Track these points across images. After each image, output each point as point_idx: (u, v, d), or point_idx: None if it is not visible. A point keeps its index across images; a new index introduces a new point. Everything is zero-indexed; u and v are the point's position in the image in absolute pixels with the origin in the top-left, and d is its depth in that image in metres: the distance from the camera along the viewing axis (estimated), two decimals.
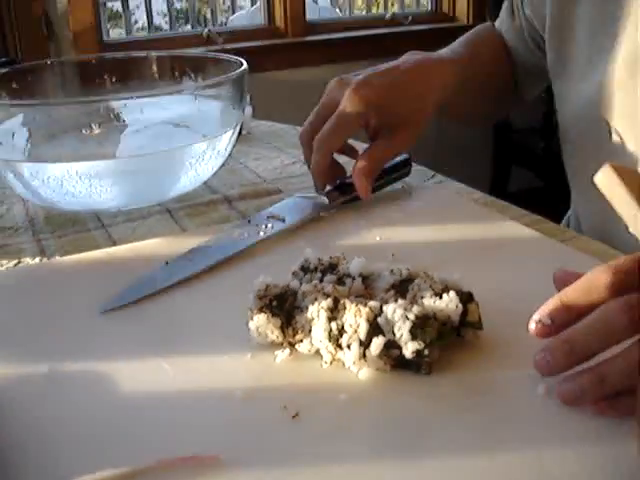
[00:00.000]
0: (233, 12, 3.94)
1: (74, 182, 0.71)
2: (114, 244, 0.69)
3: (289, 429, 0.41)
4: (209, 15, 3.80)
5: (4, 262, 0.67)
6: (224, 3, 3.96)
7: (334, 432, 0.41)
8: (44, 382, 0.47)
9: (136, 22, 4.08)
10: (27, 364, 0.49)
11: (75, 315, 0.55)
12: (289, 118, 1.16)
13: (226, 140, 0.79)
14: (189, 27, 4.06)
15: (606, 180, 0.37)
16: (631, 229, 0.37)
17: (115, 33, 4.00)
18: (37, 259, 0.67)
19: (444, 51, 0.87)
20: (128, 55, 0.95)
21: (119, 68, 0.95)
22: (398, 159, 0.79)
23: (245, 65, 0.79)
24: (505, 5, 0.95)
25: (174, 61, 0.92)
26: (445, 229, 0.67)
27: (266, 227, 0.67)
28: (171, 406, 0.44)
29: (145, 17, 3.91)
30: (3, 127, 0.78)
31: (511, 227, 0.67)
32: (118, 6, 3.80)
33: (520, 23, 0.91)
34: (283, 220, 0.69)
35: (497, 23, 0.97)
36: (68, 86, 0.96)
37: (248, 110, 1.03)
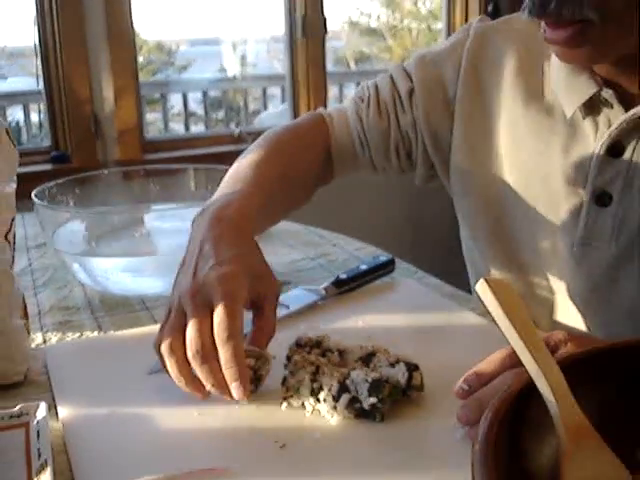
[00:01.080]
0: (264, 105, 4.23)
1: (124, 273, 0.92)
2: (155, 322, 0.89)
3: (279, 454, 0.59)
4: (241, 104, 4.10)
5: (69, 334, 0.86)
6: (256, 93, 4.26)
7: (311, 459, 0.59)
8: (105, 420, 0.66)
9: (172, 107, 4.40)
10: (93, 408, 0.68)
11: (127, 375, 0.74)
12: (302, 218, 1.35)
13: None
14: (222, 114, 4.36)
15: (482, 292, 0.54)
16: (506, 337, 0.51)
17: (151, 117, 4.29)
18: (95, 332, 0.87)
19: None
20: (169, 167, 1.16)
21: (161, 176, 1.16)
22: (383, 259, 0.98)
23: None
24: (362, 98, 1.01)
25: (208, 173, 1.13)
26: (414, 317, 0.86)
27: None
28: (194, 437, 0.62)
29: (181, 104, 4.21)
30: (69, 226, 0.99)
31: (466, 316, 0.86)
32: (158, 95, 4.10)
33: (388, 126, 0.97)
34: (287, 307, 0.88)
35: (337, 113, 1.02)
36: (119, 190, 1.17)
37: None
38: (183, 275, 0.74)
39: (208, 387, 0.66)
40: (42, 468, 0.58)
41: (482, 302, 0.52)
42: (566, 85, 0.81)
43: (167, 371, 0.68)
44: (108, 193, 1.15)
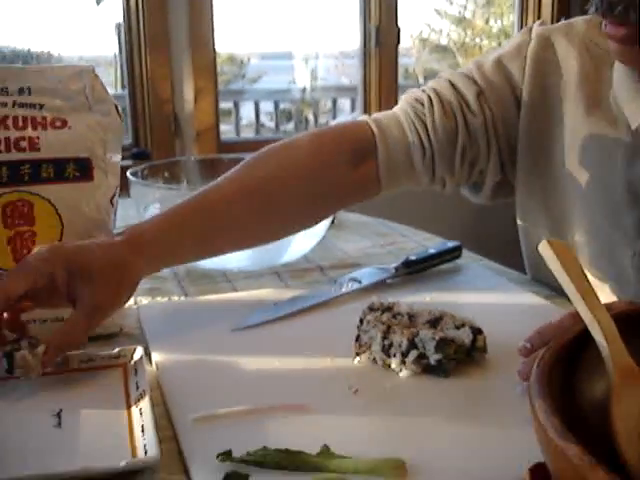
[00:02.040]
0: (334, 116, 4.31)
1: None
2: (236, 292, 0.96)
3: (352, 398, 0.66)
4: (311, 116, 4.19)
5: (159, 298, 0.94)
6: (325, 106, 4.35)
7: (382, 403, 0.65)
8: (194, 365, 0.73)
9: (241, 119, 4.51)
10: (183, 355, 0.75)
11: (213, 331, 0.81)
12: (372, 212, 1.41)
13: (322, 225, 1.05)
14: (292, 126, 4.45)
15: (544, 251, 0.59)
16: (565, 289, 0.56)
17: (224, 129, 4.41)
18: (182, 298, 0.94)
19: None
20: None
21: None
22: (451, 245, 1.03)
23: None
24: (419, 101, 0.95)
25: None
26: (479, 296, 0.91)
27: (347, 286, 0.93)
28: (275, 380, 0.69)
29: (252, 115, 4.33)
30: (159, 203, 1.07)
31: (529, 298, 0.90)
32: (229, 105, 4.21)
33: (456, 126, 0.92)
34: (360, 282, 0.94)
35: (386, 116, 0.95)
36: (204, 177, 1.24)
37: None
38: None
39: None
40: (141, 397, 0.65)
41: (545, 261, 0.58)
42: (632, 96, 0.83)
43: None
44: (194, 178, 1.23)
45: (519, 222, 1.01)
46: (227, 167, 1.23)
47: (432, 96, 0.94)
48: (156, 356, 0.75)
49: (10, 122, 0.77)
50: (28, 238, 0.76)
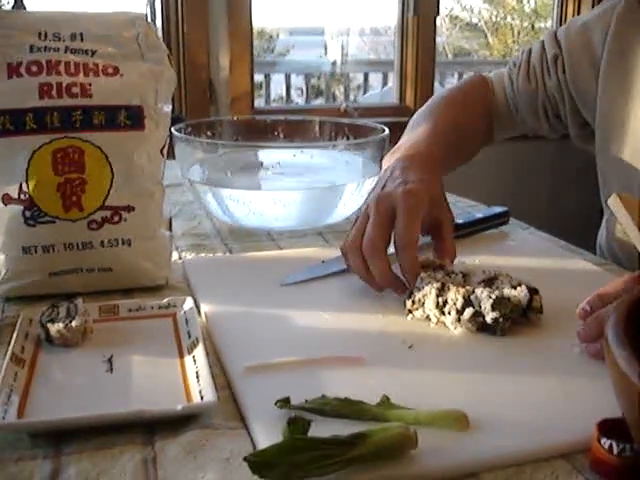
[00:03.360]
0: (364, 92, 4.28)
1: (254, 206, 0.98)
2: (281, 250, 0.95)
3: (407, 352, 0.65)
4: (337, 93, 4.15)
5: (203, 254, 0.93)
6: (355, 81, 4.32)
7: (436, 359, 0.64)
8: (243, 316, 0.72)
9: (269, 95, 4.49)
10: (231, 307, 0.74)
11: (260, 286, 0.80)
12: None
13: (367, 186, 1.04)
14: (320, 101, 4.43)
15: (614, 205, 0.58)
16: (634, 241, 0.55)
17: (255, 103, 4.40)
18: (227, 254, 0.93)
19: (418, 140, 0.99)
20: (295, 119, 1.22)
21: (286, 127, 1.22)
22: (499, 210, 1.01)
23: (387, 131, 1.04)
24: (515, 63, 1.13)
25: (332, 126, 1.18)
26: (529, 260, 0.89)
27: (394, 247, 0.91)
28: (326, 333, 0.68)
29: (282, 90, 4.31)
30: (202, 162, 1.06)
31: (581, 264, 0.89)
32: (260, 78, 4.20)
33: (536, 89, 1.09)
34: None
35: (496, 77, 1.16)
36: (247, 137, 1.23)
37: None
38: (372, 192, 0.85)
39: (377, 279, 0.75)
40: (194, 345, 0.64)
41: (614, 214, 0.56)
42: None
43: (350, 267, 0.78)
44: (237, 138, 1.22)
45: (601, 187, 1.05)
46: (267, 129, 1.22)
47: (523, 59, 1.11)
48: (205, 307, 0.74)
49: (62, 68, 0.76)
50: (78, 186, 0.75)
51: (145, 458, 0.51)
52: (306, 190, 1.04)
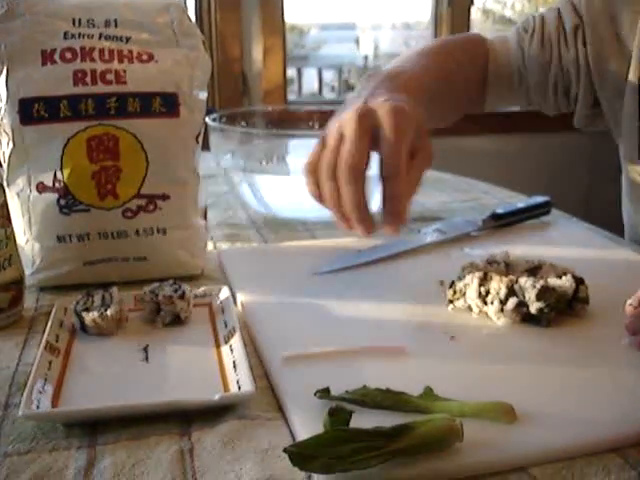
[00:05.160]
0: None
1: (289, 195, 0.96)
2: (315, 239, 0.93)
3: (449, 343, 0.63)
4: None
5: (238, 244, 0.92)
6: None
7: (479, 350, 0.62)
8: (280, 306, 0.71)
9: (301, 89, 4.47)
10: (267, 296, 0.73)
11: (295, 275, 0.79)
12: (448, 170, 1.37)
13: None
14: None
15: None
16: None
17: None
18: (262, 244, 0.92)
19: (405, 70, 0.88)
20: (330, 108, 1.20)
21: (320, 117, 1.20)
22: (541, 200, 0.99)
23: None
24: (526, 29, 1.00)
25: None
26: (572, 250, 0.87)
27: (431, 236, 0.89)
28: (366, 323, 0.66)
29: (314, 87, 4.29)
30: (237, 152, 1.05)
31: (624, 253, 0.86)
32: (292, 73, 4.18)
33: (550, 60, 0.98)
34: (444, 232, 0.90)
35: (499, 41, 1.03)
36: (282, 127, 1.21)
37: None
38: (347, 108, 0.70)
39: (350, 210, 0.66)
40: (230, 334, 0.63)
41: None
42: None
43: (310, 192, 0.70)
44: (271, 128, 1.21)
45: (624, 175, 0.99)
46: (301, 119, 1.21)
47: (537, 26, 0.99)
48: (241, 296, 0.73)
49: (96, 54, 0.75)
50: (113, 174, 0.74)
51: (182, 449, 0.49)
52: None
